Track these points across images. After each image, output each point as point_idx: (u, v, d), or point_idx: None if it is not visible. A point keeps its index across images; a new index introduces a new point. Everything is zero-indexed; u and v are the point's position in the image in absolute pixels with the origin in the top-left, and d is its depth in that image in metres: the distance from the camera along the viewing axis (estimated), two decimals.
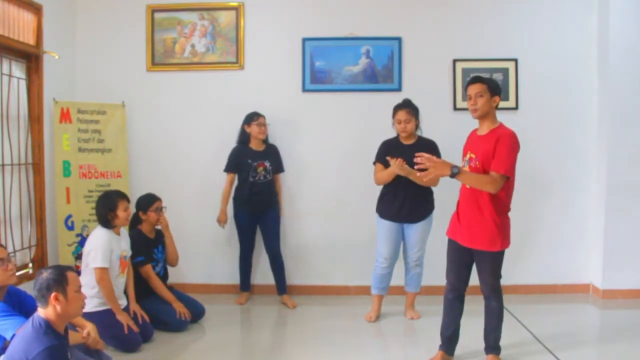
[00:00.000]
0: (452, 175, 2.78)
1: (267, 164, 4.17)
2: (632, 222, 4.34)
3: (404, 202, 3.77)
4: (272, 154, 4.26)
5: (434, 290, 4.12)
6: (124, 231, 3.63)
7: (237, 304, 4.29)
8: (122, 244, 3.53)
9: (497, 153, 2.84)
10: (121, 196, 3.53)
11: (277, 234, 4.33)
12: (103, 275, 3.32)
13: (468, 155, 3.01)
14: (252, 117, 4.16)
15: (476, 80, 3.01)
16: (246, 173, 4.15)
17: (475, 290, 4.39)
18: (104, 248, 3.34)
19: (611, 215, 4.35)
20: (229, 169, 4.23)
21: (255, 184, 4.15)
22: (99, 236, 3.40)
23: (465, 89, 3.08)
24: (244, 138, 4.21)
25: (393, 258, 3.88)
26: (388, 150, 3.81)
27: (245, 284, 4.37)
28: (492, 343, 3.09)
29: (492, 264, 2.96)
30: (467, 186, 2.96)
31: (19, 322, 2.39)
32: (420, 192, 3.78)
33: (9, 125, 3.76)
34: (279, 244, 4.35)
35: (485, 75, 4.45)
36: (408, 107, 3.79)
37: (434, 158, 2.83)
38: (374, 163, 3.92)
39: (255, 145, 4.19)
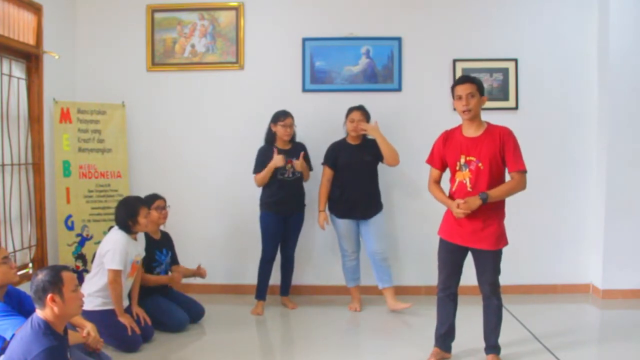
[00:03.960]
0: (485, 202, 2.85)
1: (295, 161, 4.12)
2: (632, 222, 4.34)
3: (356, 201, 4.04)
4: (299, 151, 4.16)
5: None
6: (141, 235, 3.63)
7: (253, 314, 4.08)
8: (139, 248, 3.54)
9: (510, 153, 2.90)
10: (142, 202, 3.54)
11: (297, 238, 4.29)
12: (116, 277, 3.32)
13: (463, 159, 2.96)
14: (279, 117, 4.08)
15: (466, 80, 2.98)
16: (275, 172, 4.05)
17: (471, 291, 4.39)
18: (121, 251, 3.34)
19: (611, 215, 4.35)
20: (258, 169, 4.08)
21: (284, 181, 4.07)
22: (117, 238, 3.40)
23: (452, 89, 3.03)
24: (270, 137, 4.13)
25: (357, 252, 4.18)
26: (337, 152, 4.10)
27: (262, 292, 4.15)
28: (493, 342, 3.08)
29: (496, 261, 3.00)
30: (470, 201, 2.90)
31: (18, 322, 2.40)
32: (369, 192, 4.07)
33: (9, 125, 3.76)
34: (295, 248, 4.31)
35: (485, 75, 4.50)
36: (362, 110, 4.08)
37: (466, 204, 2.87)
38: (323, 164, 4.15)
39: (281, 144, 4.11)
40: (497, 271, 3.02)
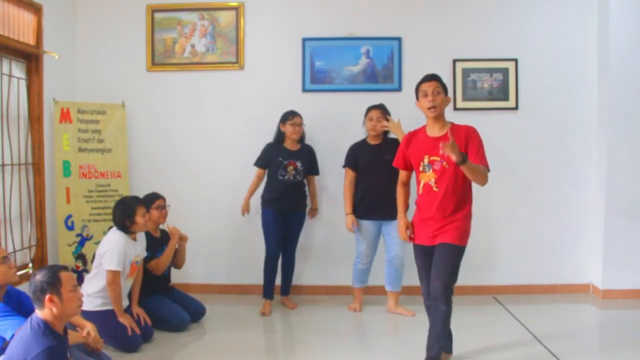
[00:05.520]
0: (461, 162, 2.64)
1: (299, 164, 4.11)
2: (632, 222, 4.34)
3: (378, 201, 3.98)
4: (305, 154, 4.17)
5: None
6: (141, 236, 3.63)
7: (260, 314, 4.08)
8: (138, 249, 3.54)
9: (474, 149, 2.84)
10: (139, 202, 3.53)
11: (297, 237, 4.29)
12: (115, 278, 3.32)
13: (426, 159, 2.92)
14: (287, 117, 4.09)
15: (433, 77, 2.97)
16: (276, 171, 4.08)
17: (469, 291, 4.39)
18: (120, 251, 3.34)
19: (611, 215, 4.34)
20: (259, 163, 4.15)
21: (283, 182, 4.08)
22: (116, 239, 3.39)
23: (416, 88, 3.01)
24: (279, 137, 4.14)
25: (372, 255, 4.14)
26: (356, 153, 4.08)
27: (269, 291, 4.13)
28: (436, 353, 2.87)
29: (453, 258, 2.86)
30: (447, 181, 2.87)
31: (18, 322, 2.39)
32: (390, 192, 3.81)
33: (9, 125, 3.76)
34: (296, 247, 4.32)
35: (485, 75, 4.50)
36: (382, 108, 4.05)
37: (450, 143, 2.59)
38: (344, 167, 4.14)
39: (289, 144, 4.13)
40: (451, 271, 2.85)
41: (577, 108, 4.53)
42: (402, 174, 3.17)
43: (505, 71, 4.52)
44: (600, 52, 4.44)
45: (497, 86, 4.52)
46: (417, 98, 3.00)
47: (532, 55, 4.51)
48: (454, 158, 2.62)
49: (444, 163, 2.86)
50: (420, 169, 2.96)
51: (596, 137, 4.51)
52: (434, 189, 2.90)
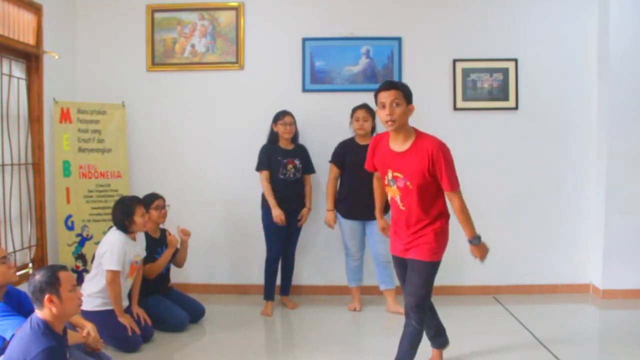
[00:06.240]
0: (480, 241, 2.74)
1: (297, 162, 4.14)
2: (632, 222, 4.34)
3: (363, 201, 3.91)
4: (301, 153, 4.21)
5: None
6: (141, 236, 3.63)
7: (262, 315, 4.07)
8: (137, 249, 3.54)
9: (444, 173, 2.59)
10: (138, 202, 3.53)
11: (297, 237, 4.30)
12: (115, 278, 3.32)
13: (390, 174, 2.70)
14: (279, 117, 4.11)
15: (391, 86, 2.62)
16: (276, 171, 4.09)
17: (467, 290, 4.38)
18: (119, 251, 3.34)
19: (611, 215, 4.34)
20: (262, 166, 4.09)
21: (285, 181, 4.10)
22: (115, 239, 3.40)
23: (375, 95, 2.67)
24: (272, 137, 4.15)
25: (361, 252, 4.18)
26: (344, 151, 4.12)
27: (270, 292, 4.14)
28: None
29: (424, 274, 2.70)
30: (401, 207, 2.76)
31: (18, 322, 2.40)
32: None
33: (9, 125, 3.76)
34: (296, 247, 4.32)
35: (485, 75, 4.50)
36: (366, 108, 4.07)
37: (481, 256, 2.77)
38: (330, 162, 4.18)
39: (283, 144, 4.15)
40: (423, 287, 2.68)
41: (577, 108, 4.53)
42: (377, 173, 2.97)
43: (505, 71, 4.52)
44: (600, 52, 4.44)
45: (497, 86, 4.52)
46: (377, 105, 2.67)
47: (532, 55, 4.51)
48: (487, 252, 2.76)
49: (408, 183, 2.64)
50: (386, 182, 2.77)
51: (596, 137, 4.51)
52: (401, 207, 2.73)
